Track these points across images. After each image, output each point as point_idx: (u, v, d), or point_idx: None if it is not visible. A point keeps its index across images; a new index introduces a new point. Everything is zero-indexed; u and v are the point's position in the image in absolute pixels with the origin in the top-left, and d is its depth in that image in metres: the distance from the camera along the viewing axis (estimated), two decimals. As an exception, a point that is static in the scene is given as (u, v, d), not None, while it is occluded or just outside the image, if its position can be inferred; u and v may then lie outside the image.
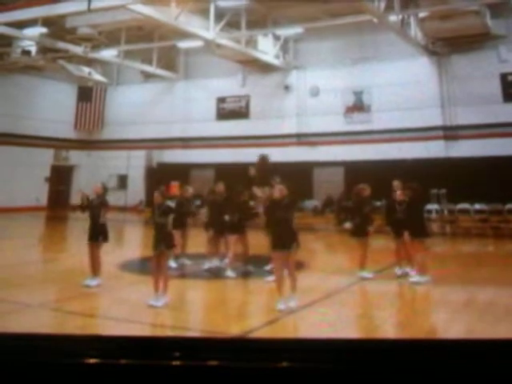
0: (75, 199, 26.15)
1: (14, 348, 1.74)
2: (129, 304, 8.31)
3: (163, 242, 8.29)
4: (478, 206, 18.38)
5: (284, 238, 7.93)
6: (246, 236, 10.71)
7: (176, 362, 1.66)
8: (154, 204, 8.69)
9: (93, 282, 9.32)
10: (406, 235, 9.92)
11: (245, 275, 10.38)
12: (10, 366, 1.66)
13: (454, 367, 1.64)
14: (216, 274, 10.61)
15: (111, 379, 1.64)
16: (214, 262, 11.04)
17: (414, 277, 9.80)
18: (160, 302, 7.96)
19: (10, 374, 1.64)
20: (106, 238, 9.57)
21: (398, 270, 10.42)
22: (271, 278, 9.58)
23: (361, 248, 10.33)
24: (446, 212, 18.47)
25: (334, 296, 8.97)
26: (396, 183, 10.69)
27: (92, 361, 1.66)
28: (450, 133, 20.85)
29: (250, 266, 10.72)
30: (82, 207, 9.61)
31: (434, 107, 20.93)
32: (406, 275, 10.11)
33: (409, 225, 9.98)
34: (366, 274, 10.14)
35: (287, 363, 1.65)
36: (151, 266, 8.56)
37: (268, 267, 10.29)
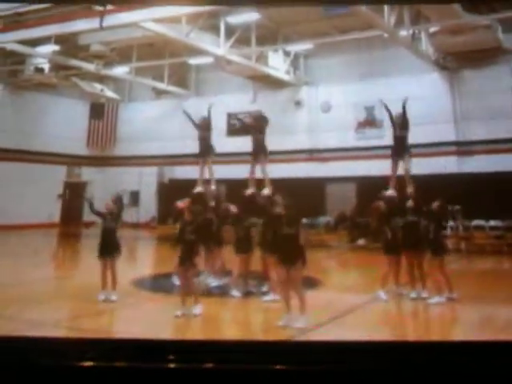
0: (88, 216, 26.32)
1: (10, 350, 1.73)
2: (145, 321, 8.26)
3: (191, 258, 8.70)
4: (493, 223, 18.20)
5: (289, 253, 7.92)
6: (251, 255, 10.59)
7: (171, 365, 1.66)
8: (183, 220, 9.07)
9: (113, 297, 9.46)
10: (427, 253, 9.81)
11: (248, 294, 10.27)
12: (7, 368, 1.66)
13: (453, 368, 1.62)
14: (221, 292, 10.59)
15: (106, 382, 1.63)
16: (222, 280, 11.09)
17: (434, 298, 9.56)
18: (197, 310, 8.49)
19: (6, 376, 1.63)
20: (120, 252, 9.89)
21: (412, 294, 10.00)
22: (269, 298, 9.58)
23: (392, 265, 10.03)
24: (460, 229, 18.31)
25: (348, 315, 8.87)
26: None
27: (87, 363, 1.66)
28: (464, 148, 20.74)
29: (252, 285, 10.66)
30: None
31: (446, 122, 20.83)
32: (422, 299, 9.77)
33: (429, 242, 9.85)
34: (382, 294, 9.85)
35: (282, 366, 1.63)
36: (180, 281, 8.99)
37: (265, 287, 10.25)
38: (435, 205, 9.97)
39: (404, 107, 11.55)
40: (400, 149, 11.66)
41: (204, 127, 12.45)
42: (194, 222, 9.07)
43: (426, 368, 1.65)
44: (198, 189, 11.84)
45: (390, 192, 11.02)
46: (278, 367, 1.65)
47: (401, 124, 11.59)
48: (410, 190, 10.70)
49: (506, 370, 1.62)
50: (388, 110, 11.82)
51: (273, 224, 8.70)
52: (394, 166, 11.67)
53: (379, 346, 2.00)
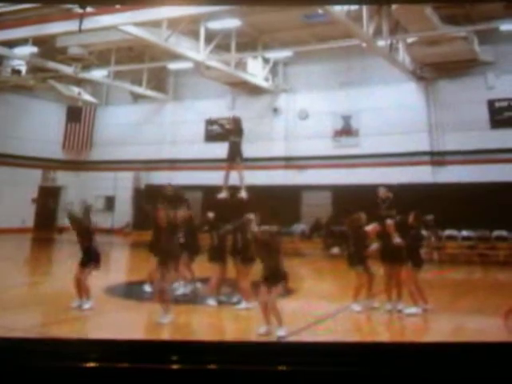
0: (62, 221, 26.08)
1: (14, 352, 1.73)
2: (117, 328, 8.21)
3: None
4: (465, 233, 18.44)
5: (272, 275, 8.08)
6: (226, 264, 10.57)
7: (175, 366, 1.65)
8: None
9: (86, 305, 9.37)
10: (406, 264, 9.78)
11: (221, 304, 10.22)
12: (10, 369, 1.65)
13: (448, 369, 1.65)
14: (193, 300, 10.56)
15: (109, 383, 1.63)
16: (188, 287, 11.07)
17: (410, 308, 9.58)
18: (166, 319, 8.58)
19: (10, 377, 1.63)
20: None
21: (387, 306, 9.95)
22: (242, 306, 9.62)
23: (358, 277, 10.00)
24: (433, 238, 18.44)
25: (321, 323, 8.90)
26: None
27: (91, 364, 1.65)
28: (437, 158, 20.98)
29: (225, 293, 10.61)
30: None
31: (421, 132, 21.06)
32: (397, 311, 9.74)
33: (408, 253, 9.83)
34: (356, 306, 9.83)
35: (285, 366, 1.64)
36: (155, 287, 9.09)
37: (236, 298, 10.26)
38: (411, 217, 10.00)
39: None
40: None
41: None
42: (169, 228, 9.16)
43: (417, 370, 1.67)
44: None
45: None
46: (280, 368, 1.66)
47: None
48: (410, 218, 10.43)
49: (489, 370, 1.65)
50: None
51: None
52: None
53: (378, 346, 2.01)
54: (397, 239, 10.06)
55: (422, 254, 10.24)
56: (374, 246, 10.37)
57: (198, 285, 11.08)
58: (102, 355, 1.72)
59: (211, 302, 10.12)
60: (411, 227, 10.01)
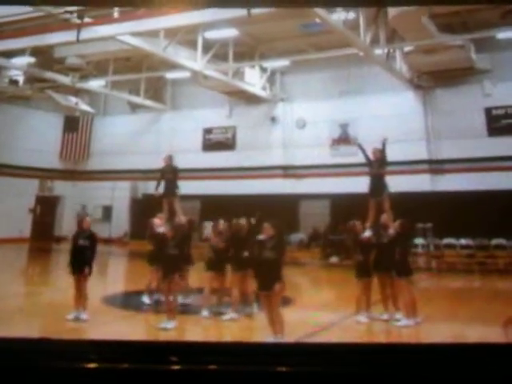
0: (59, 231, 26.09)
1: (15, 352, 1.71)
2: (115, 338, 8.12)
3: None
4: (463, 241, 18.39)
5: (268, 278, 7.90)
6: (224, 274, 10.46)
7: (175, 367, 1.64)
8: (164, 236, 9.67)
9: (83, 316, 9.27)
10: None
11: (218, 315, 9.95)
12: (11, 369, 1.63)
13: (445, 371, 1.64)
14: (190, 311, 10.48)
15: (110, 383, 1.62)
16: (189, 298, 11.01)
17: (402, 320, 9.35)
18: (170, 324, 8.73)
19: (10, 377, 1.61)
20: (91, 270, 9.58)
21: (384, 315, 9.79)
22: (228, 317, 9.55)
23: (363, 289, 9.78)
24: (431, 247, 18.42)
25: (319, 333, 8.85)
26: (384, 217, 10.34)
27: (91, 365, 1.65)
28: (436, 167, 20.99)
29: (223, 306, 10.32)
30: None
31: (419, 141, 21.07)
32: (394, 320, 9.56)
33: (394, 262, 9.49)
34: (361, 317, 9.62)
35: (285, 367, 1.62)
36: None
37: (224, 307, 10.10)
38: (396, 224, 9.77)
39: (384, 146, 11.21)
40: (377, 188, 11.19)
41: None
42: (175, 237, 9.17)
43: (423, 370, 1.65)
44: None
45: (367, 233, 10.58)
46: (280, 369, 1.64)
47: (378, 162, 11.18)
48: (391, 230, 10.24)
49: (489, 371, 1.64)
50: (362, 149, 11.44)
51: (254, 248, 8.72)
52: (371, 205, 11.15)
53: (378, 347, 1.99)
54: (367, 233, 10.03)
55: (410, 264, 10.01)
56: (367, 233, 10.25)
57: (192, 296, 11.02)
58: (102, 356, 1.71)
59: (204, 313, 10.00)
60: (400, 235, 9.76)
